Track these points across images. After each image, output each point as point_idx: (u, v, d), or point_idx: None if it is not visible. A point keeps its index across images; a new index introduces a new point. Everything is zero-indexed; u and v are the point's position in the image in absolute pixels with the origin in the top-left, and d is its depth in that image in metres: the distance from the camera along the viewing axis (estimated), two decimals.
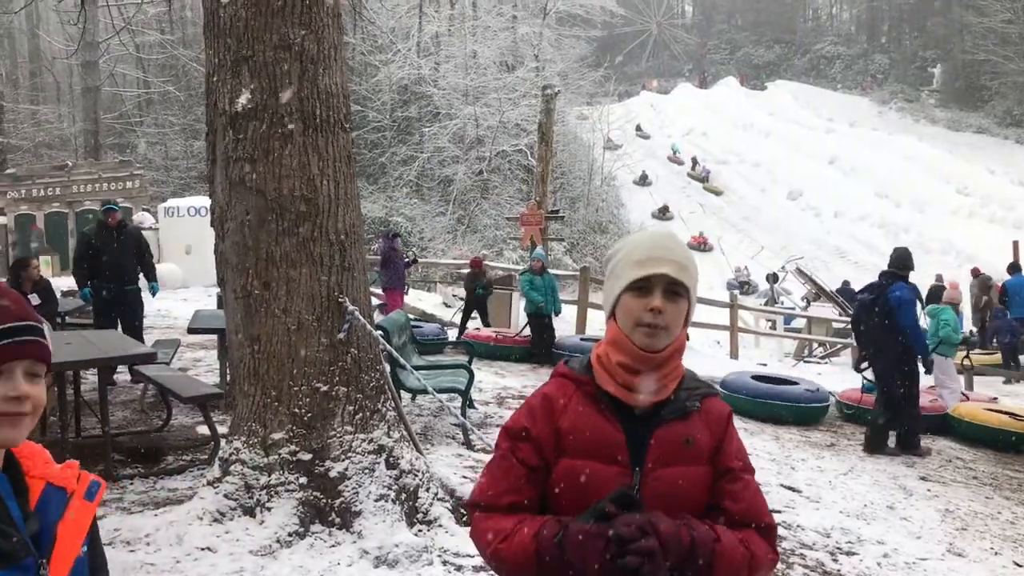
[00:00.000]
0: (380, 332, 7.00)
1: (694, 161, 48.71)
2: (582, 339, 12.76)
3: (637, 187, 44.72)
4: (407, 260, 15.26)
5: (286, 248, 4.69)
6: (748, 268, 34.61)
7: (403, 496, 4.70)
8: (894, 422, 8.41)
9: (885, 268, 8.65)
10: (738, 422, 8.69)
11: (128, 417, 7.71)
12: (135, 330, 8.85)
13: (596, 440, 1.69)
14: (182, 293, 20.29)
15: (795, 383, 10.01)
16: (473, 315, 14.87)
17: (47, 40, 36.69)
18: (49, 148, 35.97)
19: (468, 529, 1.85)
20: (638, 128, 53.52)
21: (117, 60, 36.00)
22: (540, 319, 12.71)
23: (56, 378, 5.84)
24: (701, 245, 38.71)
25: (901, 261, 8.46)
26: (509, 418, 1.84)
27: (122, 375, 8.96)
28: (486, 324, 14.85)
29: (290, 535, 4.42)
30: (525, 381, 10.68)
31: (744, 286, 33.83)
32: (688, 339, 1.87)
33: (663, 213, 42.05)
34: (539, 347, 12.61)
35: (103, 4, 26.04)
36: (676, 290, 1.70)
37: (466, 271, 15.86)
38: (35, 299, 8.24)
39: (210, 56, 4.87)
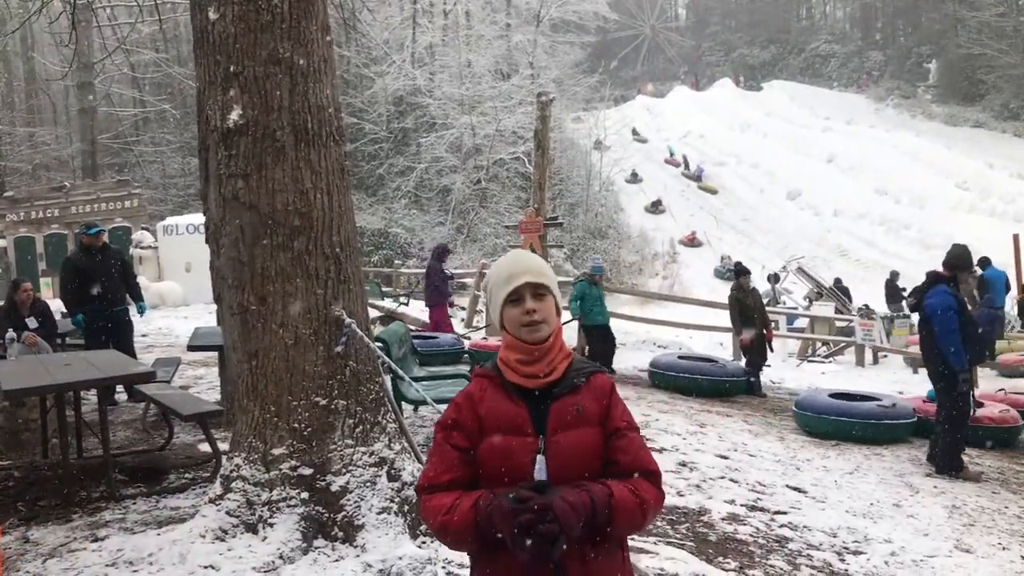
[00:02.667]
0: (379, 344, 7.00)
1: (685, 160, 48.80)
2: (680, 357, 12.62)
3: (630, 185, 44.75)
4: (447, 275, 15.08)
5: (281, 263, 4.68)
6: (731, 257, 35.27)
7: (406, 508, 4.67)
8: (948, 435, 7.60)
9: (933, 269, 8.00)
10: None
11: (130, 436, 7.70)
12: (127, 350, 8.81)
13: (507, 418, 2.10)
14: (183, 311, 20.30)
15: (874, 398, 9.30)
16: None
17: (42, 62, 36.80)
18: (47, 170, 36.04)
19: None
20: (634, 131, 53.52)
21: (112, 80, 36.10)
22: (601, 329, 12.65)
23: (56, 399, 5.83)
24: (691, 242, 39.02)
25: (952, 260, 7.76)
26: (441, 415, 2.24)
27: (123, 394, 8.95)
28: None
29: (293, 551, 4.39)
30: None
31: (732, 273, 34.30)
32: (561, 324, 2.27)
33: (655, 207, 42.34)
34: (602, 359, 12.32)
35: (96, 24, 26.13)
36: (540, 291, 2.14)
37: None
38: (32, 322, 8.23)
39: (200, 73, 4.86)
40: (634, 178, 45.44)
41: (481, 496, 2.01)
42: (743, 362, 12.52)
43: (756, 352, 12.12)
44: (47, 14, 11.68)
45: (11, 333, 7.77)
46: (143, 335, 15.15)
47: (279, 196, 4.66)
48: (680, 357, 12.52)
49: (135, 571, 4.29)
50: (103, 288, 8.92)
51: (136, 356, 9.21)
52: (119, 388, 8.91)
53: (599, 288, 13.02)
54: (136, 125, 40.37)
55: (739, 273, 12.79)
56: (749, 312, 12.30)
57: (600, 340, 12.76)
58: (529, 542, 1.88)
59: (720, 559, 4.95)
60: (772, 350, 12.91)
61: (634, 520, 2.04)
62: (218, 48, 4.69)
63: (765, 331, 12.27)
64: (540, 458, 2.04)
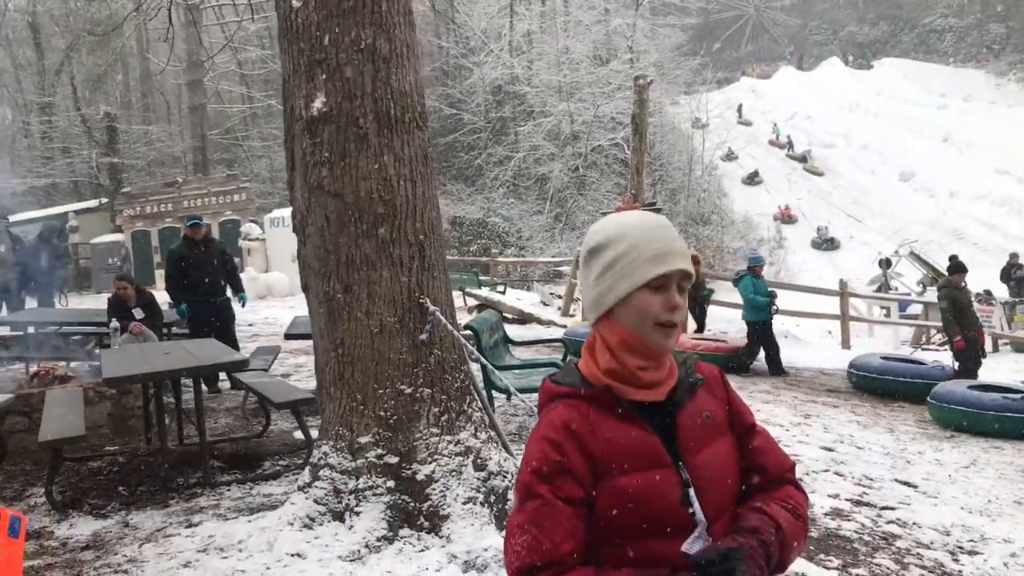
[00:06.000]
0: (469, 332, 6.96)
1: (790, 141, 47.58)
2: (883, 357, 11.50)
3: (726, 164, 44.08)
4: None
5: (366, 251, 4.65)
6: (828, 227, 35.66)
7: (492, 498, 4.59)
8: None
9: None
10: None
11: (230, 424, 7.87)
12: (230, 339, 9.02)
13: (634, 451, 1.55)
14: (289, 301, 20.76)
15: (1017, 391, 8.80)
16: None
17: (156, 61, 38.19)
18: (161, 166, 37.40)
19: None
20: (739, 112, 52.42)
21: (221, 77, 37.19)
22: (765, 326, 11.98)
23: (155, 386, 5.97)
24: (787, 217, 38.28)
25: None
26: (523, 467, 1.59)
27: (226, 382, 9.16)
28: (700, 331, 14.04)
29: (379, 540, 4.37)
30: None
31: (828, 243, 33.85)
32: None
33: (752, 179, 41.59)
34: (768, 359, 11.89)
35: (206, 24, 26.94)
36: (684, 285, 1.62)
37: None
38: (138, 313, 8.49)
39: (285, 62, 4.88)
40: (729, 155, 44.63)
41: None
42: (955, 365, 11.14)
43: (970, 356, 11.00)
44: (158, 16, 12.02)
45: (115, 323, 8.04)
46: (249, 324, 15.55)
47: (363, 184, 4.63)
48: (884, 358, 11.31)
49: (224, 557, 4.34)
50: (205, 279, 9.15)
51: (238, 345, 9.41)
52: (222, 376, 9.14)
53: (763, 281, 12.32)
54: (244, 121, 41.54)
55: (954, 270, 11.43)
56: (965, 312, 11.09)
57: (764, 338, 12.02)
58: None
59: (822, 556, 4.71)
60: (985, 354, 11.79)
61: (801, 545, 1.67)
62: (301, 36, 4.69)
63: (977, 333, 11.23)
64: (692, 493, 1.55)
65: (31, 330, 10.47)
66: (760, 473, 1.68)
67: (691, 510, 1.54)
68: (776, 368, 11.84)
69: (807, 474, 6.41)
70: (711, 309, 15.27)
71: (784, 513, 1.62)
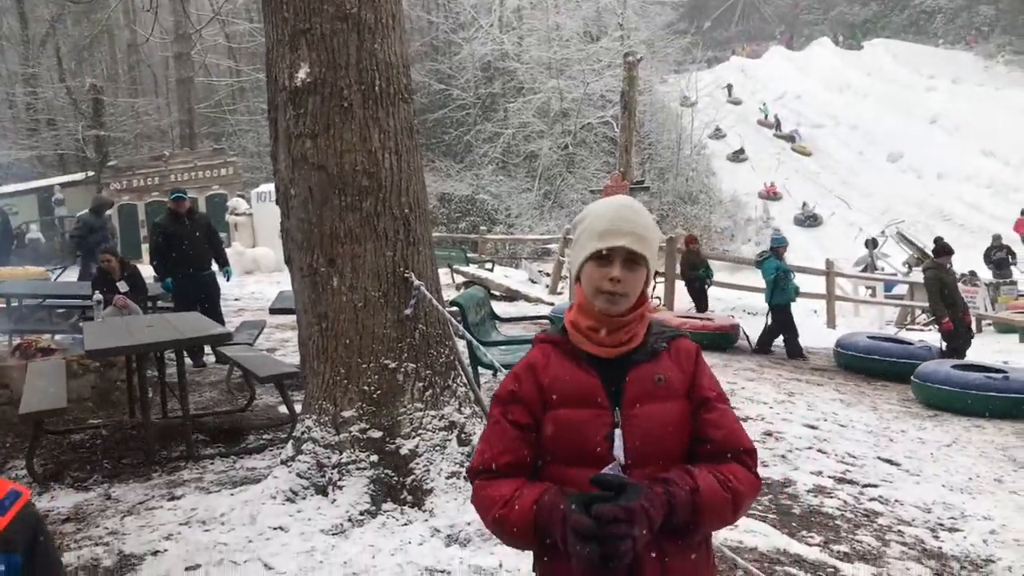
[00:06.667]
0: (455, 308, 6.94)
1: (778, 121, 47.58)
2: (870, 336, 11.60)
3: (714, 142, 44.15)
4: None
5: (350, 224, 4.62)
6: (815, 204, 36.14)
7: None
8: None
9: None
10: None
11: (215, 397, 7.85)
12: (215, 313, 8.99)
13: (576, 389, 1.81)
14: (276, 276, 20.66)
15: (1000, 370, 8.89)
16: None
17: (142, 34, 37.77)
18: (148, 139, 37.08)
19: None
20: (729, 90, 52.31)
21: (209, 51, 36.83)
22: (786, 308, 11.83)
23: (137, 359, 5.94)
24: (772, 194, 38.37)
25: None
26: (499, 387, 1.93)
27: (211, 356, 9.13)
28: (702, 310, 13.95)
29: (361, 514, 4.36)
30: None
31: (811, 219, 34.07)
32: (651, 300, 1.97)
33: (737, 155, 41.63)
34: (786, 342, 11.79)
35: None
36: (635, 259, 1.82)
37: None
38: (123, 286, 8.44)
39: (269, 31, 4.82)
40: (717, 132, 44.65)
41: (546, 491, 1.72)
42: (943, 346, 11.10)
43: (959, 337, 10.94)
44: None
45: (98, 295, 7.98)
46: (235, 299, 15.49)
47: (347, 156, 4.59)
48: (871, 337, 11.39)
49: (207, 530, 4.33)
50: (190, 252, 9.10)
51: (224, 319, 9.37)
52: (207, 350, 9.10)
53: (785, 262, 12.15)
54: (232, 94, 41.18)
55: (940, 251, 11.31)
56: (953, 293, 11.01)
57: (783, 320, 11.91)
58: (588, 557, 1.60)
59: (803, 533, 4.73)
60: (973, 334, 11.73)
61: (723, 517, 1.78)
62: (285, 4, 4.63)
63: (963, 313, 11.17)
64: (618, 433, 1.76)
65: (14, 303, 10.40)
66: (709, 444, 1.82)
67: (614, 446, 1.76)
68: (794, 351, 11.73)
69: (790, 451, 6.44)
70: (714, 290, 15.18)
71: (710, 480, 1.73)
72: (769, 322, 12.07)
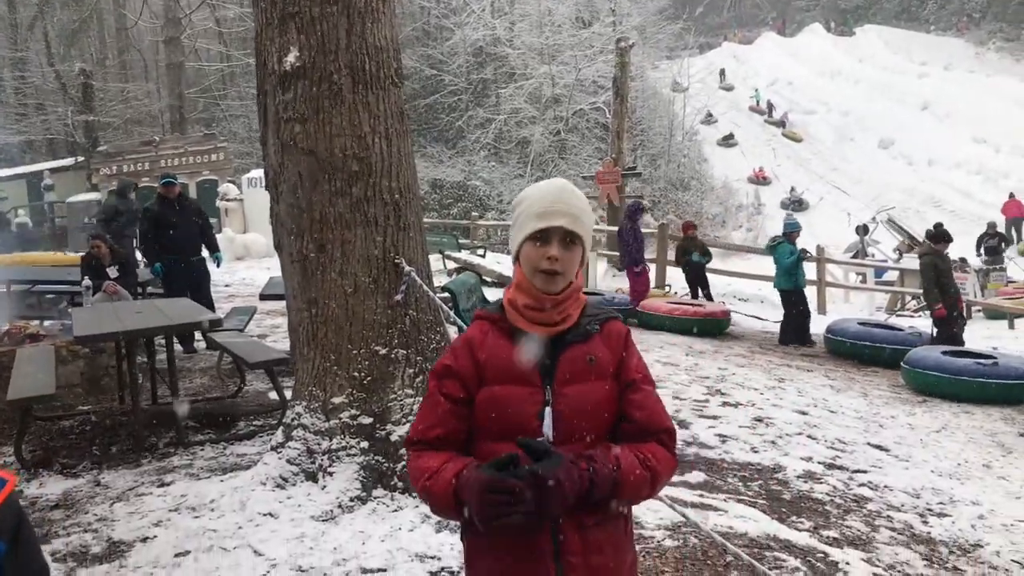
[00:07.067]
0: (446, 294, 6.93)
1: (770, 106, 47.58)
2: (860, 323, 11.52)
3: (705, 127, 44.14)
4: (640, 236, 13.58)
5: (340, 209, 4.60)
6: (804, 190, 36.34)
7: None
8: None
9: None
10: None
11: (205, 384, 7.82)
12: (205, 299, 8.95)
13: (510, 366, 1.88)
14: (266, 262, 20.60)
15: (989, 356, 8.89)
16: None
17: (131, 17, 37.50)
18: (138, 124, 36.80)
19: None
20: (721, 75, 52.25)
21: (199, 35, 36.57)
22: (799, 294, 11.80)
23: (126, 345, 5.91)
24: (761, 179, 38.46)
25: None
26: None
27: (201, 343, 9.10)
28: (707, 296, 13.92)
29: (352, 500, 4.36)
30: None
31: (796, 203, 34.21)
32: (583, 280, 2.07)
33: (726, 140, 41.70)
34: (794, 327, 11.70)
35: None
36: (572, 239, 1.91)
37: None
38: (113, 272, 8.40)
39: (258, 15, 4.78)
40: (709, 118, 44.67)
41: (467, 465, 1.80)
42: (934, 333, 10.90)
43: (951, 324, 10.71)
44: None
45: (87, 281, 7.95)
46: (226, 285, 15.44)
47: (337, 141, 4.56)
48: (861, 323, 11.39)
49: (196, 517, 4.32)
50: (180, 238, 9.05)
51: (214, 305, 9.33)
52: (198, 336, 9.07)
53: (796, 247, 12.06)
54: (223, 80, 40.87)
55: (939, 238, 10.98)
56: (946, 280, 10.81)
57: (796, 307, 11.86)
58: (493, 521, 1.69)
59: (793, 519, 4.74)
60: (965, 319, 11.62)
61: (640, 493, 1.87)
62: None
63: (956, 300, 11.00)
64: (548, 411, 1.84)
65: (2, 288, 10.34)
66: (631, 424, 1.90)
67: (544, 423, 1.83)
68: (802, 338, 11.68)
69: (780, 437, 6.46)
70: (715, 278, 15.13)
71: (631, 458, 1.82)
72: (785, 311, 12.02)
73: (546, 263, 1.88)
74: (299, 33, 4.54)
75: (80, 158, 30.11)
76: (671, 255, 15.15)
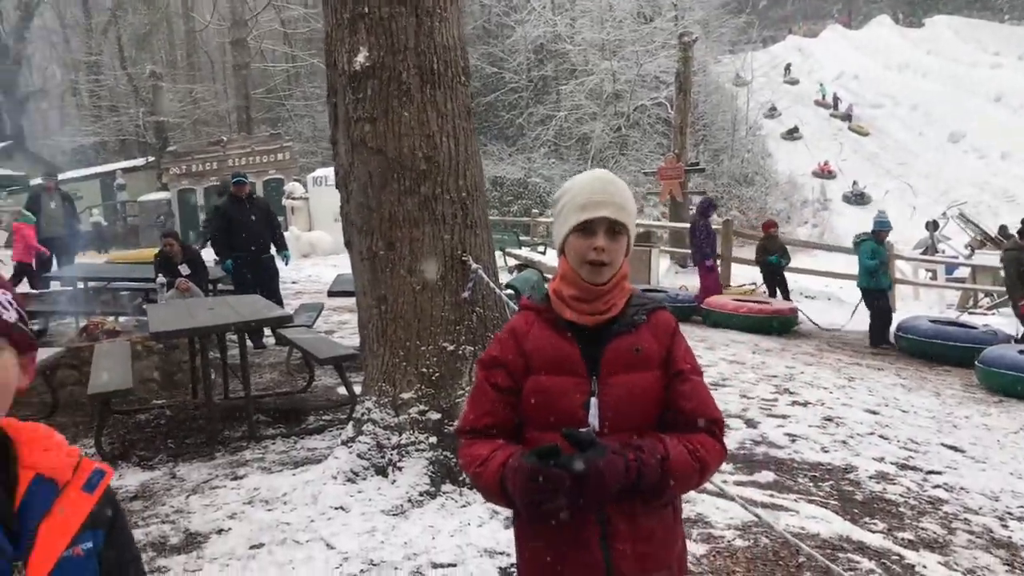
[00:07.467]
0: (511, 291, 6.95)
1: (836, 100, 46.71)
2: (932, 320, 11.12)
3: (768, 121, 43.55)
4: (711, 232, 13.55)
5: (408, 208, 4.64)
6: (866, 185, 36.07)
7: None
8: None
9: None
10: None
11: (275, 379, 7.96)
12: (274, 295, 9.12)
13: (556, 356, 1.90)
14: (332, 259, 20.90)
15: None
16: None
17: (199, 20, 38.38)
18: (206, 125, 37.67)
19: None
20: (787, 70, 51.46)
21: (265, 36, 37.23)
22: (881, 294, 11.46)
23: (200, 341, 6.05)
24: (827, 173, 37.83)
25: None
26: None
27: (270, 339, 9.26)
28: (786, 296, 13.69)
29: (421, 495, 4.41)
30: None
31: (859, 197, 33.50)
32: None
33: (791, 134, 41.06)
34: (879, 328, 11.36)
35: None
36: (616, 229, 1.91)
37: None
38: (184, 269, 8.60)
39: (328, 15, 4.85)
40: (772, 112, 44.08)
41: (514, 454, 1.81)
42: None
43: None
44: None
45: (161, 278, 8.15)
46: (293, 282, 15.69)
47: (405, 140, 4.61)
48: (933, 321, 11.00)
49: (269, 510, 4.40)
50: (249, 236, 9.24)
51: (282, 301, 9.51)
52: (267, 332, 9.24)
53: (883, 247, 11.60)
54: (288, 80, 41.58)
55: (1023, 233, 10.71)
56: None
57: (880, 307, 11.52)
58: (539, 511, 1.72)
59: (866, 520, 4.65)
60: None
61: (689, 483, 1.89)
62: None
63: None
64: (594, 402, 1.85)
65: (80, 285, 10.65)
66: (679, 414, 1.90)
67: (589, 414, 1.84)
68: (879, 338, 11.34)
69: (851, 437, 6.34)
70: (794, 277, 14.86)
71: (680, 449, 1.83)
72: (867, 310, 11.69)
73: (593, 254, 1.89)
74: (368, 33, 4.60)
75: (151, 158, 30.90)
76: (736, 252, 14.95)
